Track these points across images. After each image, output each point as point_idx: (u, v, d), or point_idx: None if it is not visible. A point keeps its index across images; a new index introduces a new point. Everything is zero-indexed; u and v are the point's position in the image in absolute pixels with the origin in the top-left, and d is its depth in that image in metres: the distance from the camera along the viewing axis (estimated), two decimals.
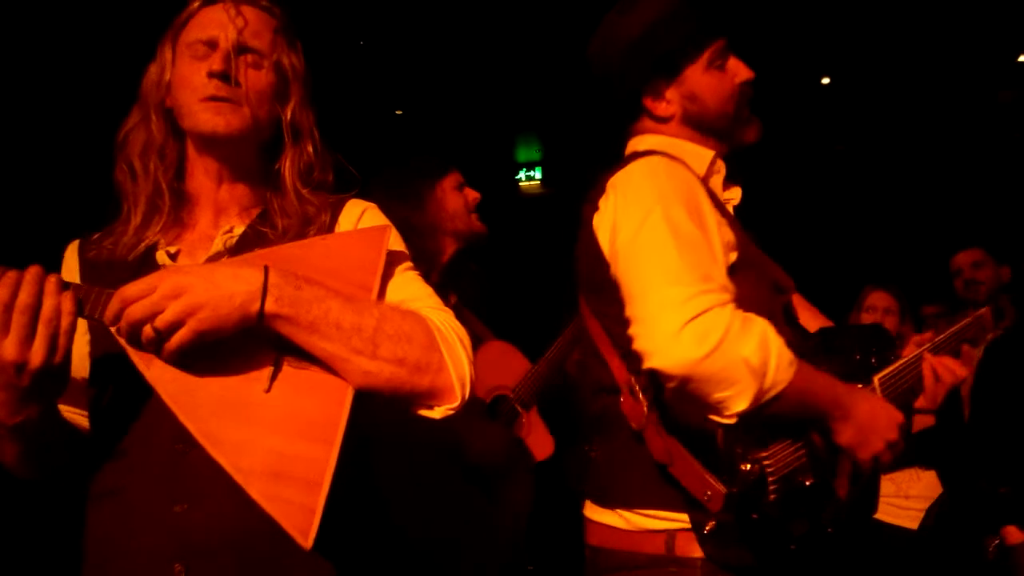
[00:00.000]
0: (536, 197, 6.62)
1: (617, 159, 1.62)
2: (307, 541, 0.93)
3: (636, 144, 1.53)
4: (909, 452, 2.94)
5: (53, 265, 1.18)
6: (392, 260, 1.15)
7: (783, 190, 5.56)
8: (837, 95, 5.38)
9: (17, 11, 3.48)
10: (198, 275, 0.99)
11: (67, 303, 0.97)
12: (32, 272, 0.97)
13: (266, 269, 1.01)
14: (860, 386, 1.43)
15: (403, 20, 4.39)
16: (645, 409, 1.35)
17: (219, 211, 1.21)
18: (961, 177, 5.34)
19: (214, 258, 1.16)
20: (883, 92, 5.22)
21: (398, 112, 5.55)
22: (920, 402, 1.51)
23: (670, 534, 1.35)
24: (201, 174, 1.22)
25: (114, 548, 1.08)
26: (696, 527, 1.32)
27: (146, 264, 1.16)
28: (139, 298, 0.97)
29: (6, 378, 0.97)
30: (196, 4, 1.20)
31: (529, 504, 2.21)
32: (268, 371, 1.02)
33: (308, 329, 1.01)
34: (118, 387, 1.11)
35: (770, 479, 1.30)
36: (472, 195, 2.19)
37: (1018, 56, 5.08)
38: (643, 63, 1.45)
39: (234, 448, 0.97)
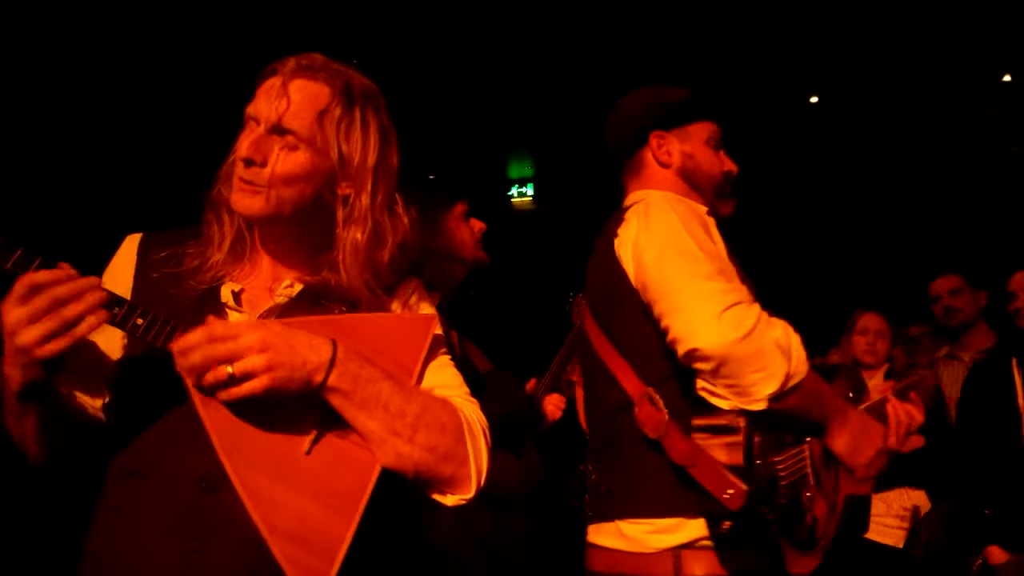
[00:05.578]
0: (528, 213, 6.65)
1: (608, 178, 1.76)
2: None
3: (635, 198, 1.65)
4: (900, 472, 2.97)
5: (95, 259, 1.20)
6: (432, 345, 1.20)
7: (771, 210, 5.60)
8: (825, 114, 5.44)
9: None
10: (280, 336, 1.04)
11: (93, 319, 0.99)
12: (86, 281, 0.99)
13: (335, 344, 1.07)
14: None
15: (396, 37, 4.42)
16: (666, 416, 1.43)
17: (277, 267, 1.24)
18: (949, 195, 5.39)
19: (272, 310, 1.19)
20: (871, 110, 5.28)
21: None
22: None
23: (676, 554, 1.41)
24: (259, 238, 1.25)
25: (116, 569, 1.08)
26: (712, 527, 1.41)
27: (210, 297, 1.18)
28: (225, 339, 1.01)
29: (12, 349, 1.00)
30: (260, 77, 1.20)
31: (529, 529, 2.23)
32: (311, 435, 1.07)
33: (358, 405, 1.07)
34: (151, 414, 1.13)
35: (782, 482, 1.41)
36: (477, 225, 2.26)
37: (1003, 76, 5.15)
38: (660, 111, 1.70)
39: (268, 504, 1.01)
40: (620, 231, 1.54)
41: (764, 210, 5.48)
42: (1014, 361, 2.69)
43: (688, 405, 1.42)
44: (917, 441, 2.92)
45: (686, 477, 1.40)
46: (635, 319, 1.48)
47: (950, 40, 4.60)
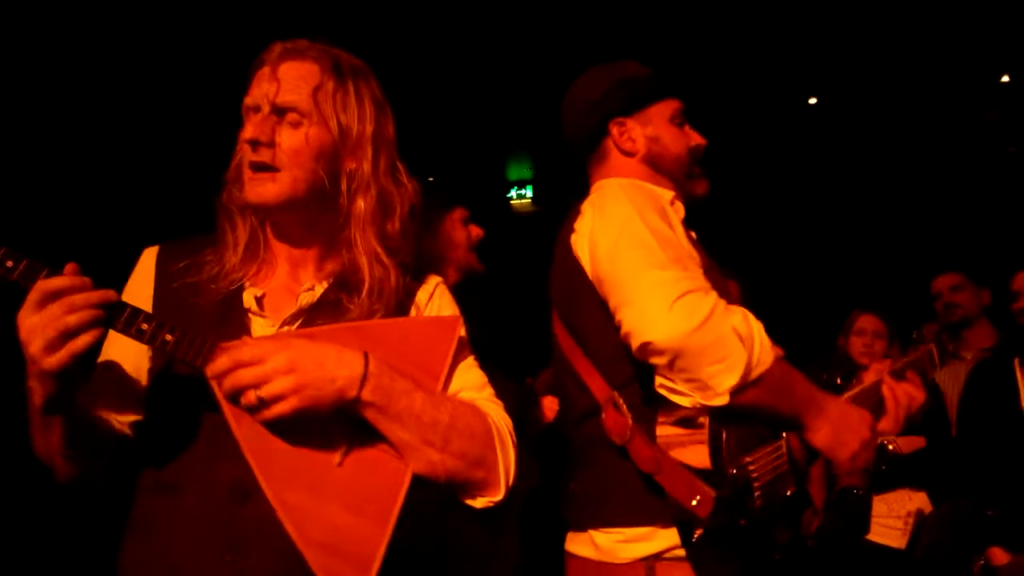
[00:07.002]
0: (527, 215, 6.65)
1: (576, 174, 1.67)
2: None
3: (600, 187, 1.57)
4: (901, 473, 2.96)
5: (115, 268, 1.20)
6: (458, 347, 1.21)
7: (770, 211, 5.60)
8: (824, 115, 5.44)
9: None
10: (307, 354, 1.04)
11: (88, 335, 0.96)
12: (101, 293, 0.97)
13: (366, 357, 1.07)
14: None
15: (394, 39, 4.42)
16: (630, 421, 1.36)
17: (296, 265, 1.23)
18: (948, 196, 5.40)
19: (296, 315, 1.18)
20: (870, 112, 5.28)
21: None
22: (883, 424, 1.51)
23: (648, 565, 1.34)
24: (274, 235, 1.23)
25: None
26: (684, 536, 1.31)
27: (232, 303, 1.17)
28: (251, 364, 1.01)
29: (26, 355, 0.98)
30: (251, 70, 1.20)
31: (515, 526, 2.21)
32: (343, 446, 1.07)
33: (392, 418, 1.07)
34: (180, 425, 1.12)
35: (755, 484, 1.32)
36: (475, 231, 2.25)
37: (1001, 76, 5.16)
38: (618, 96, 1.59)
39: (302, 515, 1.02)
40: (576, 225, 1.47)
41: (763, 211, 5.48)
42: (1016, 361, 2.68)
43: (651, 408, 1.34)
44: (919, 442, 2.92)
45: (655, 484, 1.33)
46: (597, 318, 1.40)
47: (949, 41, 4.61)
